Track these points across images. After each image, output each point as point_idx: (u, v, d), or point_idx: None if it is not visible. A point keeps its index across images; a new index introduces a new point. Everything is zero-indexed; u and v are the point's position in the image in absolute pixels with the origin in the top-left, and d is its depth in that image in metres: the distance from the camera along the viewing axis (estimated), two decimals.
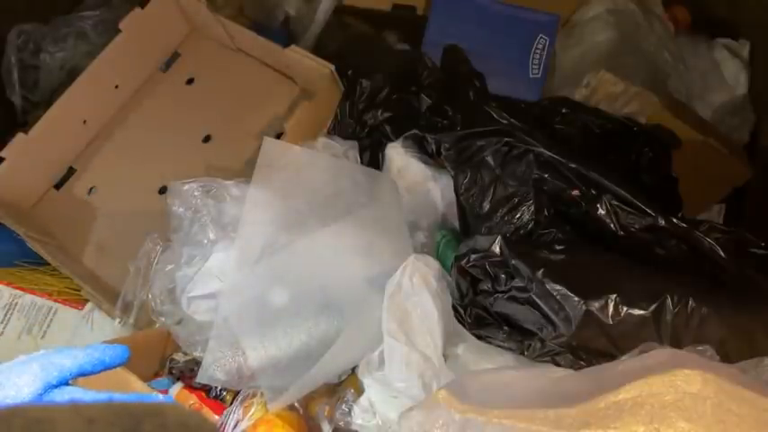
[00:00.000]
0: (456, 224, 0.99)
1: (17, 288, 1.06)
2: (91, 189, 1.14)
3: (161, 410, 0.35)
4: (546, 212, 0.89)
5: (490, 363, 0.83)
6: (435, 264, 0.91)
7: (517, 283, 0.80)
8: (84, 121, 1.15)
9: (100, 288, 1.02)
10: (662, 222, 0.84)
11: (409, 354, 0.82)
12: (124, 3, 1.27)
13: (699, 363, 0.59)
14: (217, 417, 0.84)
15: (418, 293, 0.86)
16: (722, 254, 0.83)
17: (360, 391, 0.86)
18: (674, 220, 0.85)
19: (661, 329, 0.75)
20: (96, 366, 0.45)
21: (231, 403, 0.86)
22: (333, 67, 1.08)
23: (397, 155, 1.05)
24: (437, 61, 1.10)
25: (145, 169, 1.14)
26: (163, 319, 0.94)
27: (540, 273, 0.78)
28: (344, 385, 0.90)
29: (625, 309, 0.75)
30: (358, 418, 0.84)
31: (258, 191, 0.92)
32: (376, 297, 0.87)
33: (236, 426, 0.81)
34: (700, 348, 0.68)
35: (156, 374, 0.93)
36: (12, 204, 1.08)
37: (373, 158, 1.05)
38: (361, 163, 1.04)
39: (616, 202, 0.86)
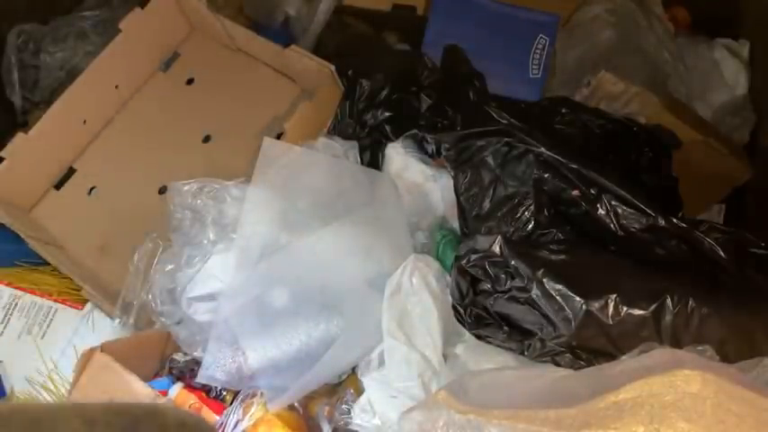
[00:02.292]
0: (456, 224, 0.98)
1: (17, 288, 1.06)
2: (91, 189, 1.14)
3: (159, 411, 0.35)
4: (546, 212, 0.89)
5: (490, 363, 0.84)
6: (435, 264, 0.91)
7: (517, 283, 0.80)
8: (84, 121, 1.15)
9: (100, 288, 1.02)
10: (662, 222, 0.84)
11: (409, 354, 0.83)
12: (124, 3, 1.27)
13: (699, 363, 0.59)
14: (217, 417, 0.84)
15: (418, 293, 0.86)
16: (722, 254, 0.83)
17: (360, 391, 0.86)
18: (674, 220, 0.85)
19: (661, 329, 0.75)
20: None
21: (231, 403, 0.86)
22: (333, 67, 1.08)
23: (397, 155, 1.05)
24: (437, 61, 1.10)
25: (145, 169, 1.14)
26: (163, 319, 0.94)
27: (540, 273, 0.78)
28: (344, 385, 0.90)
29: (625, 309, 0.75)
30: (357, 418, 0.84)
31: (258, 191, 0.92)
32: (376, 297, 0.87)
33: (236, 426, 0.81)
34: (700, 348, 0.68)
35: (156, 374, 0.93)
36: (12, 204, 1.08)
37: (373, 158, 1.05)
38: (361, 163, 1.04)
39: (616, 202, 0.86)
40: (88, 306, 1.06)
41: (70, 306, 1.06)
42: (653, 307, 0.75)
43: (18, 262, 1.10)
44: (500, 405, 0.61)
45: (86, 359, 0.84)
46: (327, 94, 1.08)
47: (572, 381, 0.69)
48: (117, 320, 0.97)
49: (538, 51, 1.19)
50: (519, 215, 0.89)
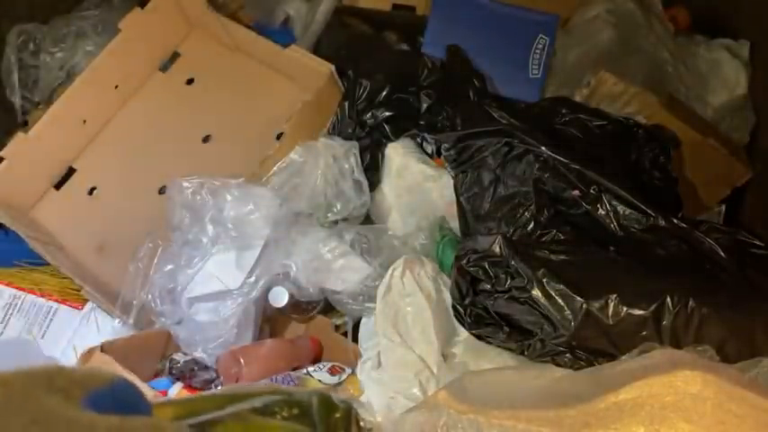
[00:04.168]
0: (456, 224, 0.99)
1: (17, 288, 1.06)
2: (91, 189, 1.14)
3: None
4: (546, 212, 0.89)
5: (489, 363, 0.84)
6: (429, 263, 0.91)
7: (517, 283, 0.80)
8: (84, 121, 1.15)
9: (100, 288, 1.02)
10: (662, 222, 0.84)
11: (405, 354, 0.83)
12: (124, 3, 1.27)
13: (699, 363, 0.60)
14: None
15: (411, 294, 0.86)
16: (722, 254, 0.83)
17: (359, 391, 0.86)
18: (674, 220, 0.85)
19: (661, 329, 0.75)
20: None
21: None
22: (333, 67, 1.08)
23: (397, 155, 1.05)
24: (437, 61, 1.10)
25: (145, 169, 1.14)
26: (163, 319, 0.94)
27: (540, 273, 0.78)
28: (344, 385, 0.90)
29: (625, 309, 0.75)
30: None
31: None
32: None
33: None
34: (699, 349, 0.68)
35: (156, 374, 0.93)
36: (12, 204, 1.08)
37: (373, 158, 1.05)
38: (362, 163, 1.04)
39: (616, 202, 0.86)
40: (88, 306, 1.06)
41: (70, 306, 1.06)
42: (653, 307, 0.75)
43: (18, 262, 1.09)
44: (500, 405, 0.61)
45: (86, 359, 0.84)
46: (327, 94, 1.08)
47: (572, 381, 0.69)
48: (117, 320, 0.97)
49: (538, 51, 1.19)
50: (519, 215, 0.89)
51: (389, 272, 0.87)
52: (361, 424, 0.67)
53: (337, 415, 0.64)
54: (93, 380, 0.31)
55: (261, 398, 0.58)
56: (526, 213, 0.89)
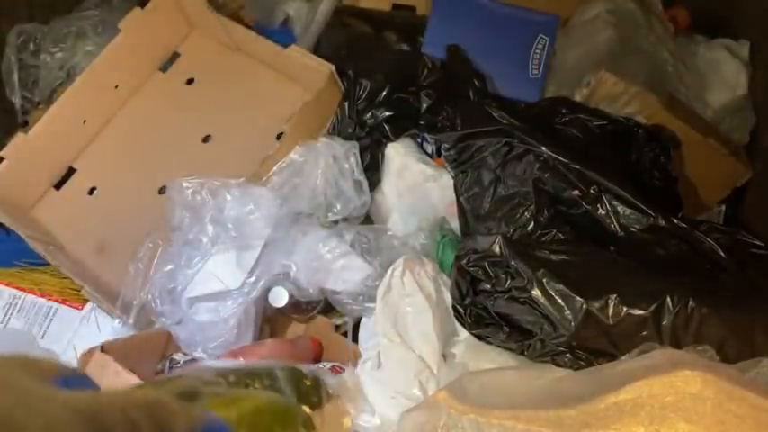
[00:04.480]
0: (456, 224, 0.99)
1: (17, 288, 1.06)
2: (91, 189, 1.14)
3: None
4: (546, 212, 0.89)
5: (489, 363, 0.84)
6: (429, 263, 0.91)
7: (517, 283, 0.80)
8: (84, 121, 1.15)
9: (100, 288, 1.02)
10: (662, 222, 0.84)
11: (405, 354, 0.83)
12: (124, 3, 1.27)
13: (699, 363, 0.60)
14: None
15: (411, 294, 0.86)
16: (722, 254, 0.83)
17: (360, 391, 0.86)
18: (674, 220, 0.85)
19: (661, 329, 0.75)
20: None
21: None
22: (333, 67, 1.08)
23: (397, 155, 1.05)
24: (437, 61, 1.10)
25: (145, 169, 1.14)
26: (163, 319, 0.94)
27: (540, 273, 0.78)
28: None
29: (625, 309, 0.75)
30: (357, 418, 0.84)
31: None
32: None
33: None
34: (699, 349, 0.68)
35: (157, 374, 0.93)
36: (12, 204, 1.08)
37: (373, 158, 1.05)
38: (362, 163, 1.04)
39: (616, 202, 0.86)
40: (88, 306, 1.06)
41: (70, 306, 1.06)
42: (653, 307, 0.75)
43: (18, 262, 1.10)
44: (500, 405, 0.61)
45: (86, 359, 0.83)
46: (327, 94, 1.08)
47: (572, 381, 0.69)
48: (117, 320, 0.97)
49: (538, 51, 1.19)
50: (519, 215, 0.89)
51: (389, 272, 0.87)
52: (330, 391, 0.75)
53: (308, 383, 0.72)
54: (59, 367, 0.32)
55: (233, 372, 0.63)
56: (526, 213, 0.89)
